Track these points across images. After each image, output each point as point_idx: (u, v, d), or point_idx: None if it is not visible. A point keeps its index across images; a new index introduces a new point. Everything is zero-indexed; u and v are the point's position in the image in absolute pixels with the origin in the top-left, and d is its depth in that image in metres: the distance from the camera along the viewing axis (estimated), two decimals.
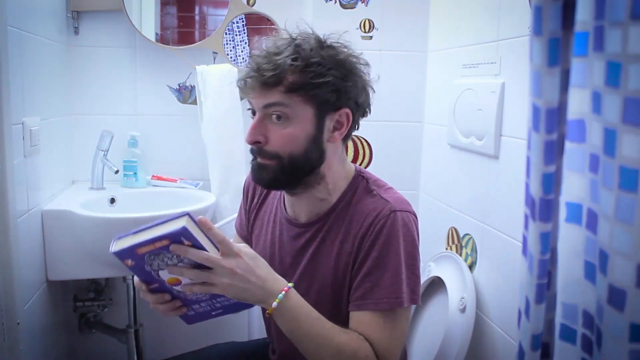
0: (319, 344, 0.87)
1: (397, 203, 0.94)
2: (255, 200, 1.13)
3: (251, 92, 0.91)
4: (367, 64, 0.96)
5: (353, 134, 1.00)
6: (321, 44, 0.92)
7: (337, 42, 0.94)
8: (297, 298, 0.88)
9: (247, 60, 0.95)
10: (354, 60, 0.94)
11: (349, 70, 0.92)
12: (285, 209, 1.05)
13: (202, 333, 1.25)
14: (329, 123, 0.93)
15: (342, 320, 0.93)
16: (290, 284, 0.87)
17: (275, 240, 1.05)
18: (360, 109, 0.96)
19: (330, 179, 0.97)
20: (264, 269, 0.85)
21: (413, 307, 0.97)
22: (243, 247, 0.85)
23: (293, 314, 0.86)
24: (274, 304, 0.84)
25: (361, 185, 0.99)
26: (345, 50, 0.94)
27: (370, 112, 1.00)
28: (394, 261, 0.91)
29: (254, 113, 0.94)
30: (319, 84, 0.88)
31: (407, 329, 0.95)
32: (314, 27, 0.96)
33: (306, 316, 0.87)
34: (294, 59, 0.88)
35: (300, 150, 0.91)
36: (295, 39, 0.91)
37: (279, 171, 0.92)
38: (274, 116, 0.90)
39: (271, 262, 1.00)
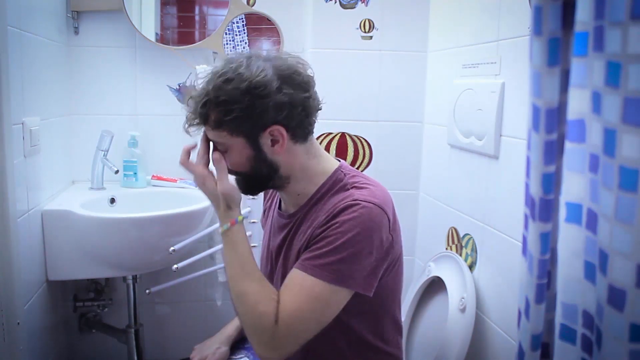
0: (234, 279, 0.98)
1: (363, 196, 0.96)
2: (269, 196, 1.24)
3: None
4: (292, 75, 0.96)
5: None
6: (224, 79, 0.94)
7: (236, 71, 0.94)
8: (238, 234, 1.00)
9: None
10: (259, 82, 0.93)
11: (254, 98, 0.93)
12: (279, 202, 1.14)
13: (202, 334, 1.24)
14: (264, 141, 0.97)
15: None
16: (240, 217, 1.01)
17: (270, 231, 1.15)
18: (293, 118, 0.96)
19: (300, 177, 1.03)
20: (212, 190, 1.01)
21: (348, 294, 0.96)
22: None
23: (230, 246, 1.00)
24: (220, 229, 1.01)
25: (337, 179, 1.03)
26: (246, 77, 0.93)
27: (315, 117, 1.01)
28: (340, 240, 0.93)
29: None
30: (230, 119, 0.94)
31: (329, 312, 0.95)
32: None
33: (237, 253, 0.99)
34: (205, 103, 0.95)
35: (248, 170, 1.00)
36: (208, 82, 0.96)
37: (246, 182, 1.04)
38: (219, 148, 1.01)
39: (266, 251, 1.15)
